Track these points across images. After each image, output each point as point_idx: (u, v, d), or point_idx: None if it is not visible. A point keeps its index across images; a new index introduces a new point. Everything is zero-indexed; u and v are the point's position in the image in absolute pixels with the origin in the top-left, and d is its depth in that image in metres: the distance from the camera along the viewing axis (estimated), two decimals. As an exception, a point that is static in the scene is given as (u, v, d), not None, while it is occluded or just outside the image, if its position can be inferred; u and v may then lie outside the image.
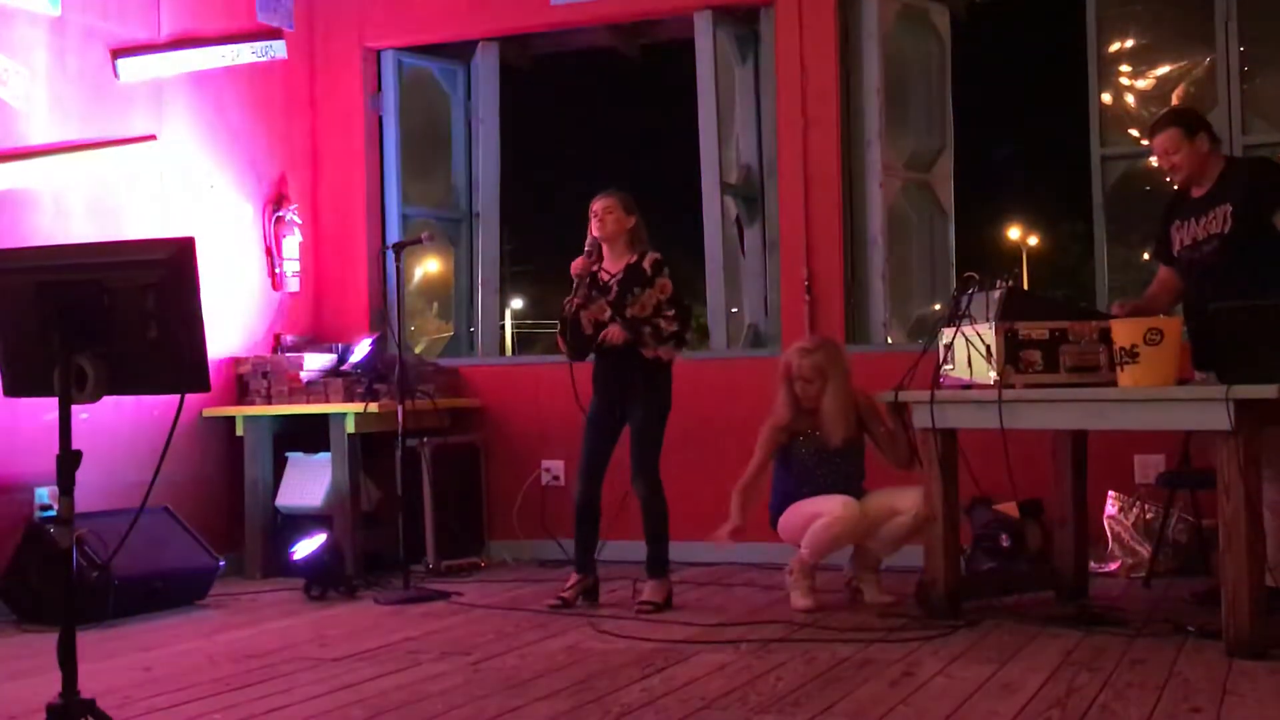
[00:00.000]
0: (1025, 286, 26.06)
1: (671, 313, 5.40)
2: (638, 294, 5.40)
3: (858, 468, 5.47)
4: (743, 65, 7.23)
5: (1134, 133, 6.48)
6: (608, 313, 5.43)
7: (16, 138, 5.84)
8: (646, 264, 5.44)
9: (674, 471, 6.25)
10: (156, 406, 6.04)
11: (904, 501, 5.23)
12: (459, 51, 7.69)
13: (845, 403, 5.37)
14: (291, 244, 7.21)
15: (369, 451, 6.66)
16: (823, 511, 5.26)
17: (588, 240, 5.52)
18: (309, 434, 6.65)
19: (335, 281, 7.49)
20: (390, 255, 6.52)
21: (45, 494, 5.65)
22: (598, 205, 5.50)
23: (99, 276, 3.08)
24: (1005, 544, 5.88)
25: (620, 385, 5.47)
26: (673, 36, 7.44)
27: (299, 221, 7.27)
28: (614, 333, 5.37)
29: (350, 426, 6.50)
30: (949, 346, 5.00)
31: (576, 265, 5.48)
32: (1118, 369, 4.53)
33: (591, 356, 5.56)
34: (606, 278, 5.48)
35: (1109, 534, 6.01)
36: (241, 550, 6.65)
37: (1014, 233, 34.67)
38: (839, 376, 5.39)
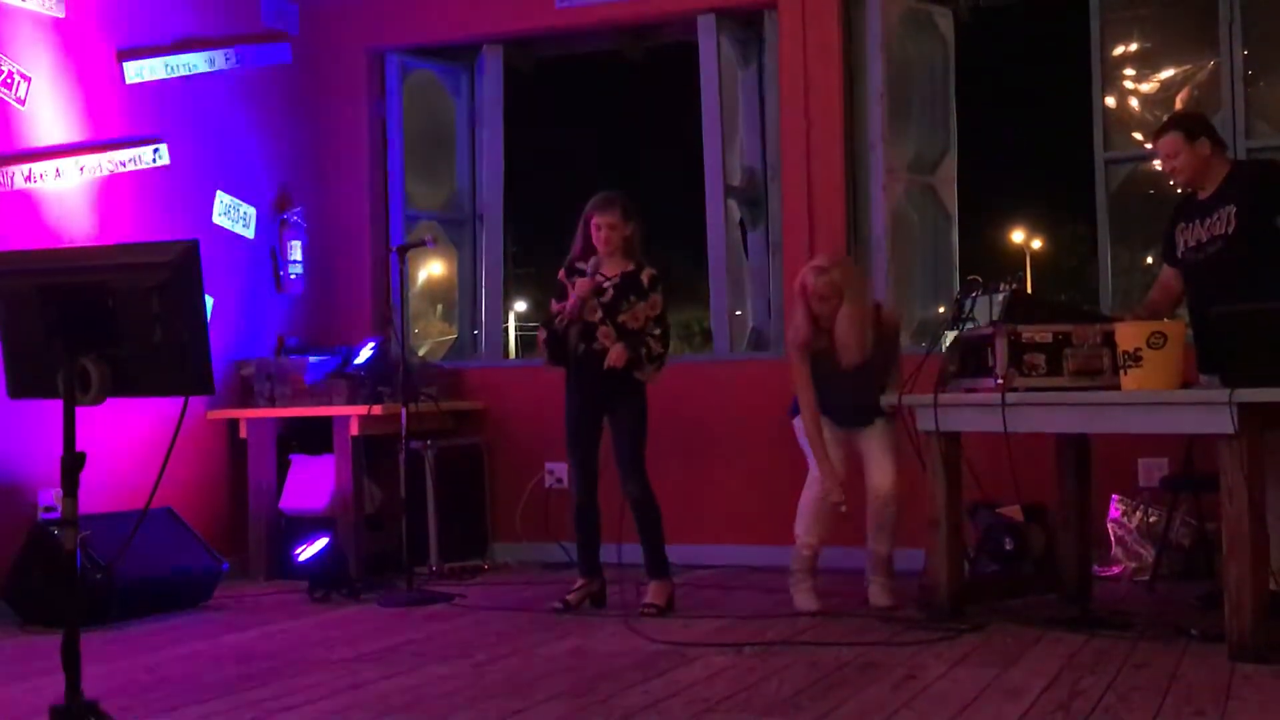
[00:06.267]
0: (1029, 290, 26.12)
1: (658, 332, 5.40)
2: (632, 303, 5.39)
3: (869, 386, 5.25)
4: (746, 68, 7.23)
5: (1138, 136, 6.48)
6: (599, 314, 5.42)
7: (20, 139, 5.85)
8: (645, 277, 5.42)
9: (676, 474, 6.25)
10: (160, 409, 6.05)
11: (874, 477, 5.26)
12: (463, 54, 7.70)
13: (860, 323, 5.20)
14: (295, 246, 7.22)
15: (372, 454, 6.66)
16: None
17: (591, 262, 5.44)
18: (313, 436, 6.66)
19: (339, 284, 7.49)
20: (394, 258, 6.52)
21: (49, 496, 5.66)
22: (600, 219, 5.43)
23: (103, 279, 3.08)
24: (1008, 547, 5.87)
25: (602, 392, 5.40)
26: (676, 39, 7.42)
27: (303, 224, 7.27)
28: (617, 356, 5.31)
29: (354, 429, 6.51)
30: (954, 350, 5.00)
31: (584, 287, 5.38)
32: (1121, 372, 4.52)
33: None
34: (603, 281, 5.45)
35: (1112, 537, 6.01)
36: (245, 552, 6.65)
37: (1018, 236, 34.66)
38: (855, 294, 5.22)
